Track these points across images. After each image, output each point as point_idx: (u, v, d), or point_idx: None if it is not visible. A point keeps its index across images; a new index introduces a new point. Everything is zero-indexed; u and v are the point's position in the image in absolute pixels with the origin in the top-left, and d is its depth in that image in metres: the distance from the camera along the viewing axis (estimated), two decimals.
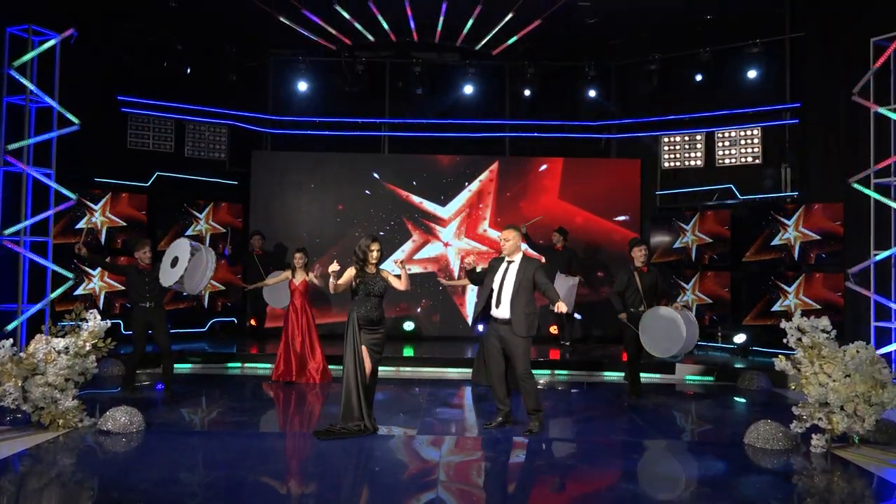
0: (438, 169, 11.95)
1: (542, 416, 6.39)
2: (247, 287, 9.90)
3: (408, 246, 11.86)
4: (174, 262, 7.50)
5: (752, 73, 10.59)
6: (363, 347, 6.23)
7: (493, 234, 11.73)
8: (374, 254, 6.31)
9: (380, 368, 6.60)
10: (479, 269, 8.30)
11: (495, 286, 6.36)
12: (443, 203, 11.89)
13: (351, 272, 6.27)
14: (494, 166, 11.91)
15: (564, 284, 9.89)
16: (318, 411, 7.40)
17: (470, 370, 8.89)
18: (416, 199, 11.89)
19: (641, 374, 8.15)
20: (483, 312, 6.49)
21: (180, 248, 7.53)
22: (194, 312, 11.05)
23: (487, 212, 11.87)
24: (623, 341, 8.04)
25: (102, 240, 10.17)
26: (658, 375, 9.28)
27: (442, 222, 11.88)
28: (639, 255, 7.77)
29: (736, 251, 10.58)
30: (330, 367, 8.74)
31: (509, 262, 6.39)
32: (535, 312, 6.32)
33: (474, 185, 11.89)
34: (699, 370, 9.41)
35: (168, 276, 7.45)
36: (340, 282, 6.23)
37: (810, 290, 9.64)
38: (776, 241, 10.01)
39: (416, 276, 11.48)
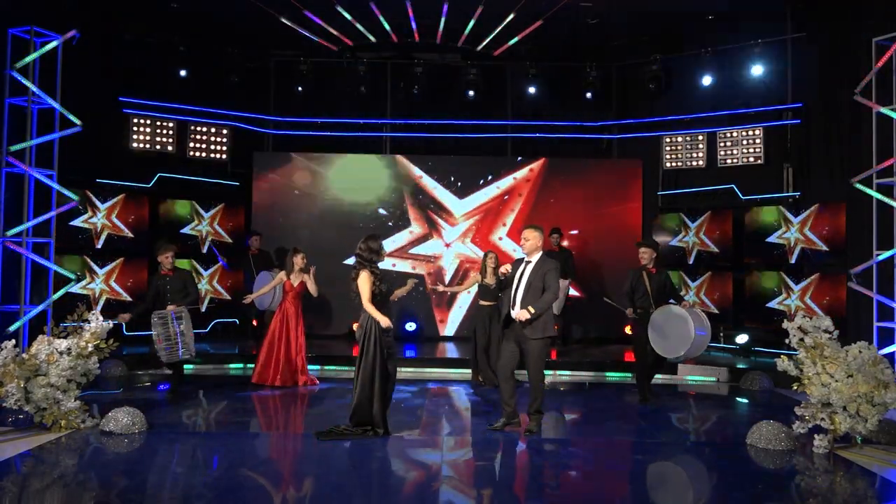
0: (440, 170, 11.94)
1: (542, 418, 6.39)
2: (245, 301, 8.88)
3: (404, 237, 11.84)
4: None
5: (753, 74, 10.57)
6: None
7: (494, 238, 11.77)
8: (385, 252, 6.31)
9: None
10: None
11: (513, 287, 6.27)
12: (445, 204, 11.88)
13: (371, 276, 6.02)
14: (500, 167, 11.90)
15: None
16: (320, 413, 7.39)
17: (471, 371, 8.89)
18: (417, 199, 11.89)
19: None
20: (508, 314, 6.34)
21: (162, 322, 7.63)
22: (197, 313, 11.02)
23: (490, 214, 11.87)
24: (633, 342, 8.02)
25: (101, 240, 10.18)
26: (660, 376, 9.23)
27: (449, 221, 11.86)
28: (644, 256, 7.75)
29: (738, 251, 10.57)
30: (310, 367, 8.76)
31: (527, 263, 6.32)
32: (548, 312, 6.20)
33: (477, 187, 11.88)
34: (701, 371, 9.39)
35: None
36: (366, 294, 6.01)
37: (812, 290, 9.62)
38: (778, 241, 10.01)
39: (416, 274, 11.50)
